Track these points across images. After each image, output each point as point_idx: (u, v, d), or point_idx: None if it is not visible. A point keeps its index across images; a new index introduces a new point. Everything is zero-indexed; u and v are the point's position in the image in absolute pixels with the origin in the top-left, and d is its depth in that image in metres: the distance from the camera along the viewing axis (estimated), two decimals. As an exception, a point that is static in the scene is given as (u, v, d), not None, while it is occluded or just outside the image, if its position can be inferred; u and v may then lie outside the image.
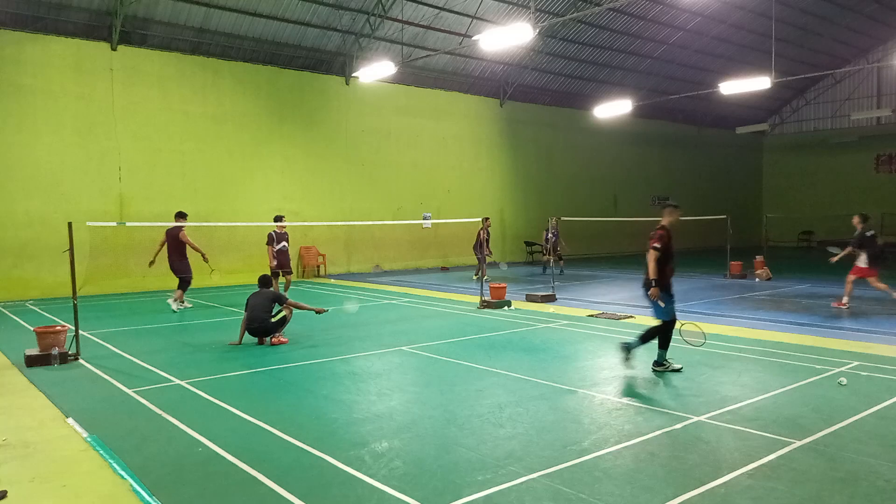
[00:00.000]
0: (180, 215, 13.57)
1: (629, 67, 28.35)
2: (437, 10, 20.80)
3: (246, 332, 9.46)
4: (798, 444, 5.07)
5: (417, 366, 8.14)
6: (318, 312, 9.91)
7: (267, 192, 19.78)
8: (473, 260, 21.03)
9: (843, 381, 6.87)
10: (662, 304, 7.37)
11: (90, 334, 10.26)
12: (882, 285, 12.12)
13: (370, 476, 4.56)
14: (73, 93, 16.56)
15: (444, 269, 23.44)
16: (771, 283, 16.73)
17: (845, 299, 12.25)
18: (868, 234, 12.19)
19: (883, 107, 32.82)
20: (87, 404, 6.54)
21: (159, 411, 6.17)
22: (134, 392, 6.90)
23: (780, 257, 24.76)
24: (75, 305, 8.84)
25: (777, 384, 6.83)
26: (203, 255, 13.36)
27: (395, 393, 6.85)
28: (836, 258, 12.55)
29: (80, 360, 8.46)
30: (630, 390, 6.77)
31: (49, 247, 15.55)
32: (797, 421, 5.66)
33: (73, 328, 8.77)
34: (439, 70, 23.73)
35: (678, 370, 7.42)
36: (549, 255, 18.06)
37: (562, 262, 18.86)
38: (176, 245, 13.37)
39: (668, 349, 7.52)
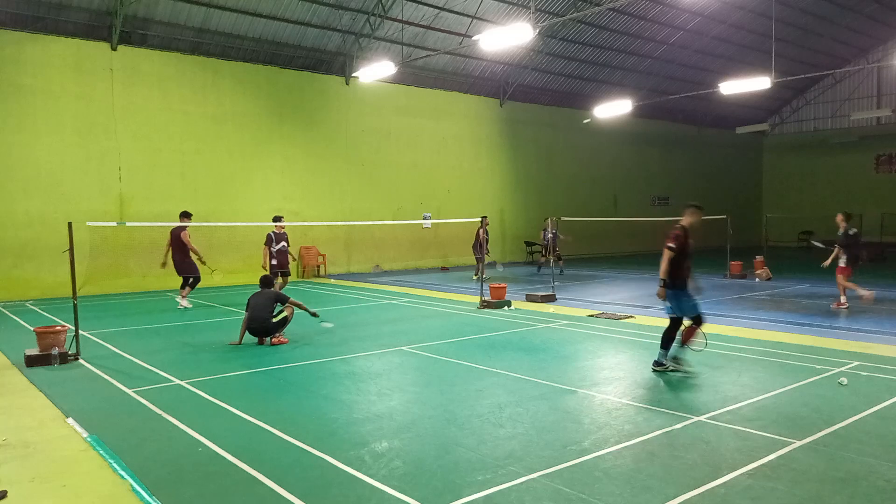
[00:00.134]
0: (184, 215, 13.59)
1: (629, 67, 28.35)
2: (437, 10, 20.80)
3: (246, 333, 9.46)
4: (798, 444, 5.07)
5: (417, 366, 8.14)
6: (312, 314, 9.96)
7: (267, 192, 19.78)
8: (473, 260, 21.04)
9: (844, 381, 6.87)
10: (668, 304, 7.36)
11: (90, 334, 10.26)
12: (850, 284, 12.32)
13: (370, 476, 4.56)
14: (73, 93, 16.56)
15: (444, 269, 23.44)
16: (771, 283, 16.73)
17: (843, 299, 12.28)
18: (851, 232, 12.29)
19: (883, 107, 32.81)
20: (87, 404, 6.54)
21: (159, 411, 6.17)
22: (134, 392, 6.90)
23: (780, 257, 24.76)
24: (75, 305, 8.84)
25: (777, 384, 6.83)
26: (200, 258, 13.40)
27: (395, 393, 6.85)
28: (827, 262, 12.55)
29: (80, 360, 8.46)
30: (630, 390, 6.77)
31: (49, 247, 15.55)
32: (797, 421, 5.66)
33: (73, 328, 8.77)
34: (439, 70, 23.73)
35: (680, 369, 7.41)
36: (549, 254, 18.06)
37: (561, 262, 18.86)
38: (179, 245, 13.41)
39: (670, 351, 7.50)
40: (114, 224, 14.86)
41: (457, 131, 24.79)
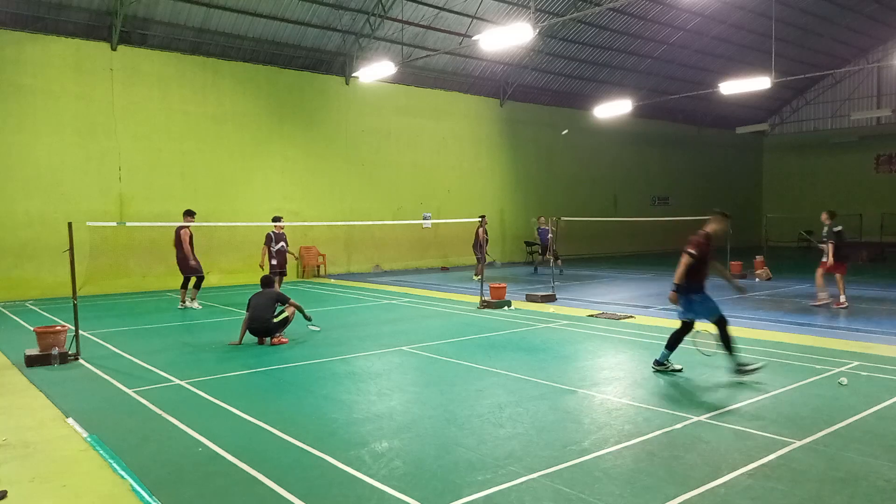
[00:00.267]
0: (187, 214, 13.62)
1: (629, 67, 28.35)
2: (437, 10, 20.80)
3: (246, 332, 9.46)
4: (798, 444, 5.07)
5: (417, 366, 8.14)
6: (306, 318, 9.97)
7: (267, 192, 19.78)
8: (473, 260, 21.04)
9: (844, 381, 6.87)
10: (681, 309, 7.26)
11: (90, 334, 10.26)
12: (820, 281, 12.59)
13: (370, 476, 4.56)
14: (73, 93, 16.56)
15: (444, 269, 23.44)
16: (771, 283, 16.73)
17: (842, 298, 12.30)
18: (835, 230, 12.40)
19: (883, 107, 32.81)
20: (87, 404, 6.54)
21: (159, 411, 6.17)
22: (134, 392, 6.90)
23: (780, 257, 24.75)
24: (75, 305, 8.84)
25: (777, 384, 6.83)
26: (188, 258, 13.41)
27: (395, 393, 6.85)
28: (830, 260, 12.51)
29: (80, 360, 8.46)
30: (630, 390, 6.77)
31: (49, 247, 15.55)
32: (797, 421, 5.66)
33: (73, 328, 8.77)
34: (439, 70, 23.73)
35: (678, 370, 7.41)
36: (548, 254, 18.03)
37: (559, 261, 18.84)
38: (181, 243, 13.42)
39: (674, 352, 7.47)
40: (114, 224, 14.85)
41: (457, 131, 24.79)
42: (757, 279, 17.46)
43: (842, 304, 12.22)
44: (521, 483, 4.41)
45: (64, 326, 8.72)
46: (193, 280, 13.69)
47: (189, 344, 9.72)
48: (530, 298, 13.95)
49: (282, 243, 13.96)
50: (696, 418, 5.74)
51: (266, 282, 9.91)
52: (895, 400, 6.22)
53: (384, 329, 10.90)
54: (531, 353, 8.74)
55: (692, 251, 7.11)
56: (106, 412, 6.26)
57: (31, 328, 9.45)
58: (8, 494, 4.36)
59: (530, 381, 7.14)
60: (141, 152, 17.59)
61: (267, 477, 4.56)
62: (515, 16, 22.06)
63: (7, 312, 13.35)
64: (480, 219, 16.88)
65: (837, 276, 12.36)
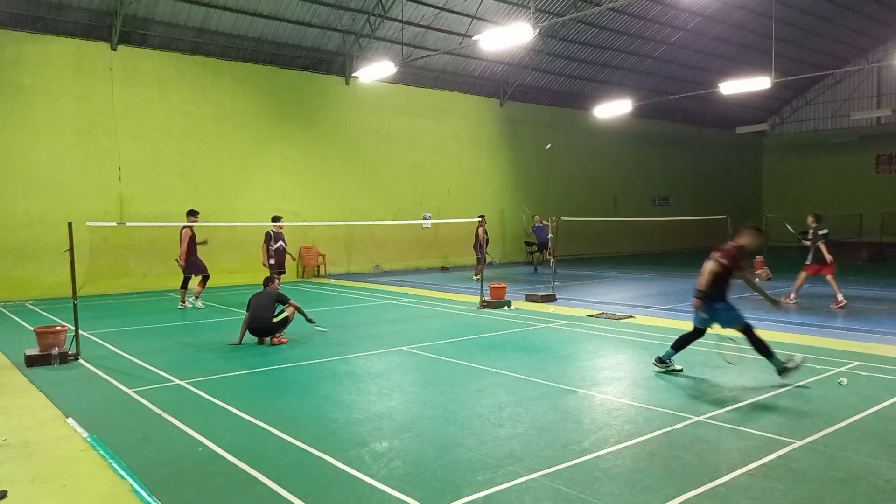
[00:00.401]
0: (190, 213, 13.64)
1: (629, 67, 28.35)
2: (437, 10, 20.80)
3: (246, 333, 9.46)
4: (798, 444, 5.07)
5: (417, 366, 8.14)
6: (308, 320, 9.97)
7: (267, 192, 19.78)
8: (473, 260, 21.04)
9: (844, 381, 6.87)
10: (705, 316, 7.10)
11: (90, 334, 10.26)
12: (799, 280, 12.86)
13: (370, 476, 4.56)
14: (73, 93, 16.56)
15: (444, 269, 23.44)
16: (771, 283, 16.73)
17: (839, 297, 12.32)
18: (821, 232, 12.55)
19: (883, 107, 32.80)
20: (87, 404, 6.54)
21: (159, 411, 6.17)
22: (134, 392, 6.90)
23: (780, 257, 24.74)
24: (75, 305, 8.84)
25: (777, 384, 6.83)
26: (179, 259, 13.42)
27: (395, 393, 6.85)
28: (829, 258, 12.56)
29: (80, 360, 8.46)
30: (630, 390, 6.77)
31: (49, 247, 15.55)
32: (797, 421, 5.66)
33: (73, 328, 8.77)
34: (439, 70, 23.73)
35: (678, 371, 7.41)
36: (548, 254, 18.01)
37: (553, 260, 18.75)
38: (188, 242, 13.43)
39: (678, 353, 7.43)
40: (114, 224, 14.84)
41: (457, 131, 24.79)
42: (757, 279, 17.46)
43: (839, 303, 12.24)
44: (521, 483, 4.41)
45: (64, 326, 8.72)
46: (198, 279, 13.68)
47: (189, 344, 9.72)
48: (530, 298, 13.95)
49: (280, 242, 13.98)
50: (696, 418, 5.74)
51: (266, 281, 9.94)
52: (895, 400, 6.22)
53: (384, 329, 10.90)
54: (531, 353, 8.74)
55: (724, 261, 6.93)
56: (106, 412, 6.26)
57: (31, 328, 9.45)
58: (8, 494, 4.36)
59: (530, 381, 7.14)
60: (141, 152, 17.59)
61: (267, 477, 4.56)
62: (515, 16, 22.06)
63: (7, 312, 13.35)
64: (480, 219, 16.88)
65: (828, 277, 12.43)
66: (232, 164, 19.21)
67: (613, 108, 24.06)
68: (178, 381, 7.36)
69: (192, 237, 13.47)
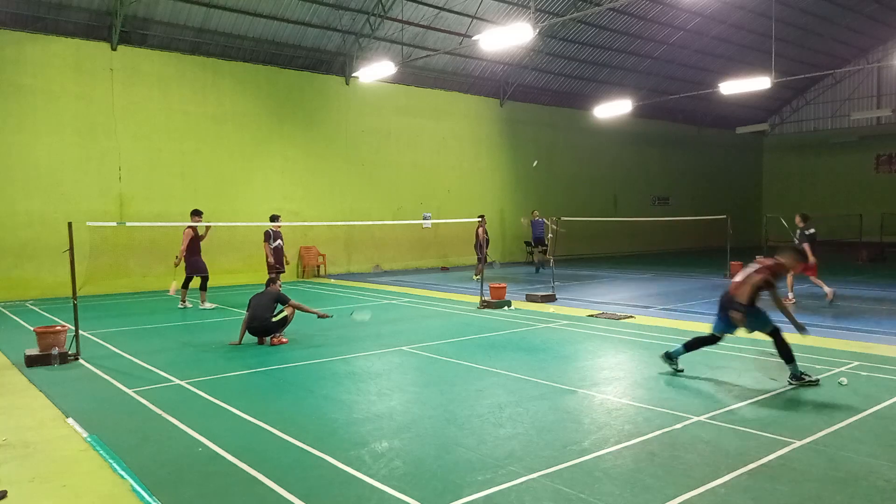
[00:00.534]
0: (193, 213, 13.66)
1: (629, 67, 28.34)
2: (437, 10, 20.80)
3: (246, 333, 9.46)
4: (798, 444, 5.07)
5: (417, 366, 8.14)
6: (319, 316, 9.92)
7: (267, 192, 19.78)
8: (473, 260, 21.02)
9: (844, 381, 6.87)
10: (747, 328, 6.99)
11: (90, 334, 10.26)
12: (789, 281, 12.94)
13: (370, 476, 4.56)
14: (73, 93, 16.56)
15: (444, 269, 23.43)
16: (771, 283, 16.71)
17: (826, 289, 12.46)
18: (807, 232, 12.73)
19: (883, 107, 32.79)
20: (87, 404, 6.54)
21: (159, 411, 6.17)
22: (134, 392, 6.90)
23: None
24: (75, 305, 8.84)
25: (777, 384, 6.83)
26: (177, 258, 13.42)
27: (395, 393, 6.85)
28: (811, 261, 12.68)
29: (80, 360, 8.46)
30: (630, 390, 6.77)
31: (49, 247, 15.55)
32: (797, 421, 5.66)
33: (73, 328, 8.77)
34: (439, 70, 23.73)
35: (680, 371, 7.40)
36: (546, 254, 17.99)
37: (546, 256, 18.72)
38: (188, 243, 13.44)
39: (686, 354, 7.39)
40: (114, 224, 14.83)
41: (457, 131, 24.79)
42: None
43: (830, 294, 12.35)
44: (521, 483, 4.41)
45: (64, 326, 8.72)
46: (198, 280, 13.68)
47: (189, 344, 9.72)
48: (530, 298, 13.95)
49: (279, 241, 14.01)
50: (696, 418, 5.74)
51: (269, 282, 9.96)
52: (895, 400, 6.22)
53: (384, 329, 10.90)
54: (531, 353, 8.74)
55: (768, 278, 6.88)
56: (106, 412, 6.26)
57: (31, 328, 9.46)
58: (8, 494, 4.36)
59: (530, 381, 7.14)
60: (141, 152, 17.59)
61: (267, 477, 4.56)
62: (515, 16, 22.05)
63: (7, 312, 13.35)
64: (480, 219, 16.88)
65: (812, 278, 12.58)
66: (232, 164, 19.21)
67: (613, 108, 24.06)
68: (178, 381, 7.36)
69: (194, 237, 13.47)
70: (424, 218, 23.37)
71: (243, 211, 19.07)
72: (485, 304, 13.09)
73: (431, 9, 20.70)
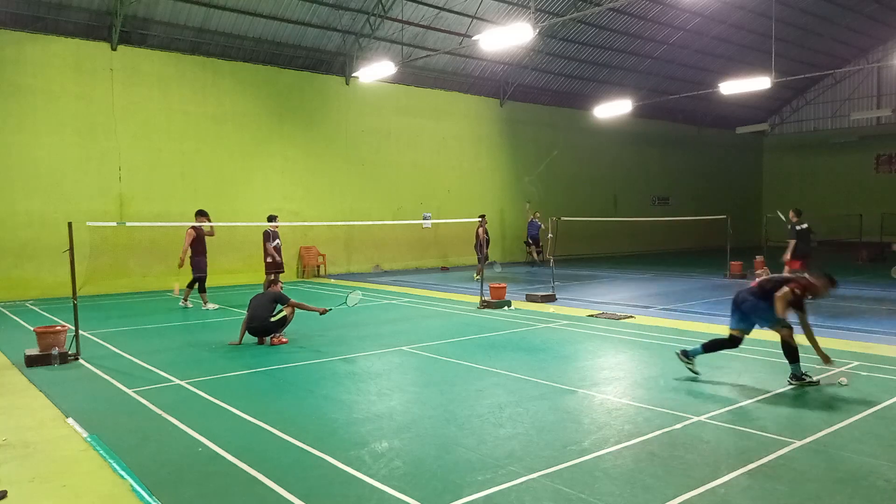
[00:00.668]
0: (197, 213, 13.66)
1: (629, 67, 28.34)
2: (437, 10, 20.80)
3: (246, 333, 9.46)
4: (798, 444, 5.07)
5: (417, 366, 8.14)
6: (321, 313, 9.91)
7: (267, 192, 19.78)
8: (473, 260, 21.01)
9: (844, 381, 6.87)
10: (769, 323, 6.98)
11: (90, 334, 10.27)
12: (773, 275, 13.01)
13: (370, 476, 4.56)
14: (73, 93, 16.56)
15: (444, 269, 23.44)
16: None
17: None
18: (798, 228, 12.79)
19: (883, 107, 32.78)
20: (87, 404, 6.54)
21: (159, 411, 6.17)
22: (134, 392, 6.90)
23: (780, 257, 24.75)
24: (75, 305, 8.84)
25: (777, 384, 6.83)
26: (181, 259, 13.41)
27: (395, 393, 6.85)
28: (786, 256, 12.81)
29: (80, 360, 8.46)
30: (630, 390, 6.77)
31: (49, 247, 15.55)
32: (797, 421, 5.66)
33: (73, 328, 8.77)
34: (439, 70, 23.73)
35: (697, 374, 7.23)
36: (543, 255, 17.99)
37: (541, 256, 18.73)
38: (192, 243, 13.45)
39: (700, 356, 7.30)
40: (114, 224, 14.82)
41: (457, 131, 24.79)
42: (757, 279, 17.42)
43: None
44: (521, 483, 4.41)
45: (64, 326, 8.72)
46: (190, 279, 13.68)
47: (189, 344, 9.72)
48: (530, 298, 13.95)
49: (277, 241, 14.04)
50: (696, 418, 5.74)
51: (269, 283, 9.96)
52: (895, 400, 6.22)
53: (384, 329, 10.90)
54: (531, 353, 8.74)
55: (802, 295, 6.91)
56: (106, 412, 6.26)
57: (31, 328, 9.45)
58: (8, 494, 4.36)
59: (530, 381, 7.14)
60: (141, 152, 17.59)
61: (267, 477, 4.56)
62: (515, 16, 22.05)
63: (7, 312, 13.35)
64: (480, 218, 16.89)
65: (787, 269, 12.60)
66: (232, 164, 19.21)
67: (613, 108, 24.06)
68: (178, 381, 7.36)
69: (195, 238, 13.47)
70: (424, 218, 23.37)
71: (243, 211, 19.07)
72: (485, 304, 13.10)
73: (431, 9, 20.70)
